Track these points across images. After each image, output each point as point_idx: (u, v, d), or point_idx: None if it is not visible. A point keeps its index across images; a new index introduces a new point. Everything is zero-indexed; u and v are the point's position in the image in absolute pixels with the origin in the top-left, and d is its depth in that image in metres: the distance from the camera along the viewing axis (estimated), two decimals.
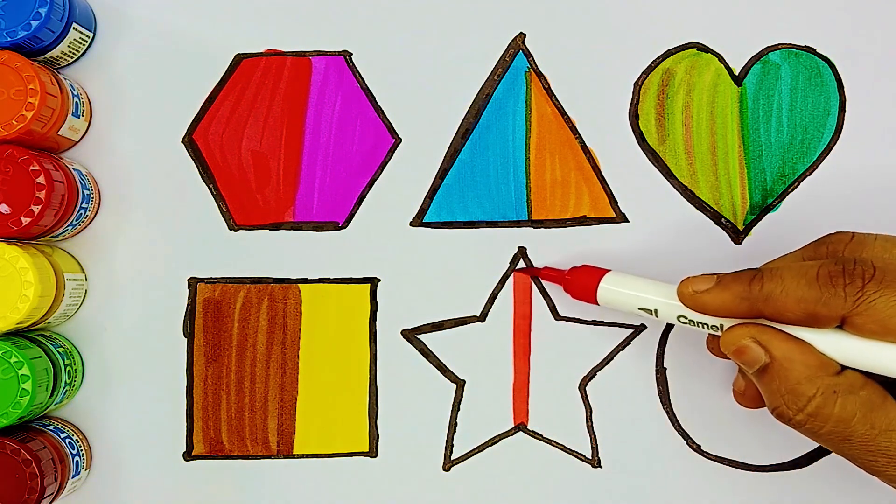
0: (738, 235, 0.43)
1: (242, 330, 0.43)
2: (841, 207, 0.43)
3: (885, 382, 0.32)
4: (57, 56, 0.41)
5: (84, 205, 0.41)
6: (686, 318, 0.36)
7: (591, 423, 0.43)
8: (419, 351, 0.43)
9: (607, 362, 0.43)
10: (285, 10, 0.43)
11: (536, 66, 0.43)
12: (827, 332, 0.32)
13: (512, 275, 0.43)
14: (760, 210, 0.43)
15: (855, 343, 0.32)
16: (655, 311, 0.37)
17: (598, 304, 0.39)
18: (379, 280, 0.43)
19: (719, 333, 0.35)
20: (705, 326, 0.35)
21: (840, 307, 0.31)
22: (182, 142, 0.43)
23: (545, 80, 0.43)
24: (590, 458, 0.43)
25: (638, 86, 0.43)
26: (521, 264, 0.43)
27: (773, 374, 0.33)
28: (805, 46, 0.43)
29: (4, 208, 0.38)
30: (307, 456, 0.42)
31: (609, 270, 0.39)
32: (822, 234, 0.43)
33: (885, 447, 0.31)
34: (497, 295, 0.43)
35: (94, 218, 0.43)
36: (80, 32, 0.42)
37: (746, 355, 0.33)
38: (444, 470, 0.42)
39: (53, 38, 0.40)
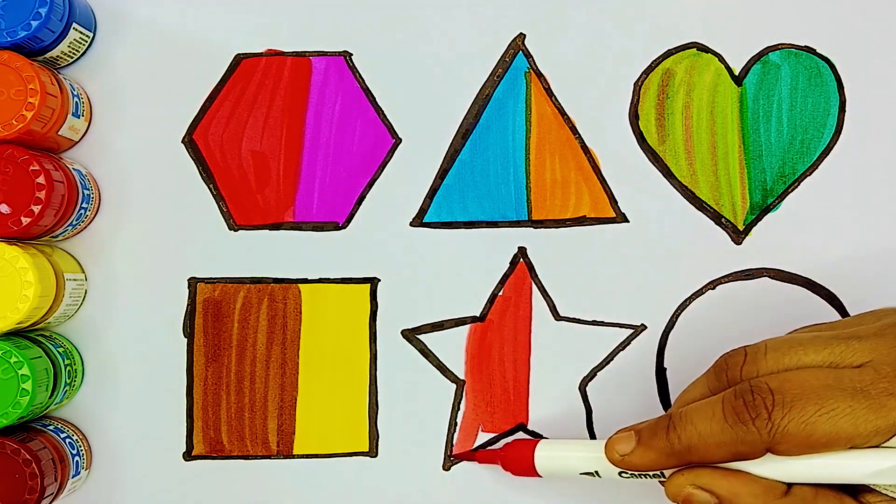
0: (738, 235, 0.43)
1: (242, 330, 0.43)
2: (841, 207, 0.43)
3: (836, 484, 0.32)
4: (57, 56, 0.41)
5: (84, 205, 0.41)
6: (627, 473, 0.36)
7: (591, 423, 0.43)
8: (419, 351, 0.43)
9: (607, 362, 0.43)
10: (285, 10, 0.43)
11: (536, 66, 0.43)
12: (760, 459, 0.32)
13: (512, 275, 0.43)
14: (760, 210, 0.43)
15: (789, 463, 0.32)
16: (596, 472, 0.37)
17: (541, 476, 0.39)
18: (379, 280, 0.43)
19: (664, 478, 0.35)
20: (647, 477, 0.36)
21: (759, 441, 0.31)
22: (182, 142, 0.43)
23: (545, 80, 0.43)
24: None
25: (638, 86, 0.43)
26: (519, 262, 0.43)
27: None
28: (805, 46, 0.43)
29: (4, 208, 0.38)
30: (307, 456, 0.42)
31: (539, 440, 0.39)
32: (822, 233, 0.43)
33: None
34: (497, 295, 0.43)
35: (94, 218, 0.43)
36: (80, 32, 0.42)
37: (695, 503, 0.33)
38: (444, 470, 0.42)
39: (53, 38, 0.40)
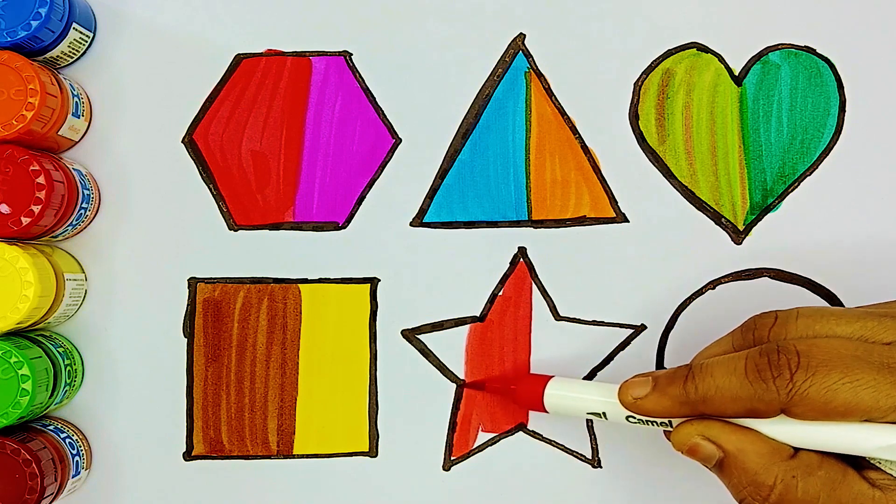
0: (738, 235, 0.43)
1: (242, 330, 0.43)
2: (841, 207, 0.43)
3: (842, 455, 0.32)
4: (57, 56, 0.41)
5: (84, 205, 0.41)
6: (635, 418, 0.36)
7: (592, 423, 0.43)
8: (419, 351, 0.43)
9: (607, 362, 0.43)
10: (285, 10, 0.43)
11: (536, 66, 0.43)
12: (772, 419, 0.32)
13: (512, 275, 0.43)
14: (760, 210, 0.43)
15: (801, 427, 0.32)
16: (604, 413, 0.37)
17: (547, 412, 0.39)
18: (379, 280, 0.43)
19: (670, 428, 0.35)
20: (655, 424, 0.36)
21: (776, 401, 0.31)
22: (182, 142, 0.43)
23: (545, 80, 0.43)
24: (590, 458, 0.43)
25: (638, 86, 0.43)
26: (519, 262, 0.43)
27: (729, 467, 0.33)
28: (805, 46, 0.43)
29: (4, 208, 0.38)
30: (307, 456, 0.42)
31: (552, 377, 0.39)
32: (822, 233, 0.43)
33: None
34: (497, 295, 0.43)
35: (94, 218, 0.43)
36: (80, 32, 0.42)
37: (699, 453, 0.33)
38: (444, 470, 0.42)
39: (53, 38, 0.40)
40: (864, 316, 0.33)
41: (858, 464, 0.32)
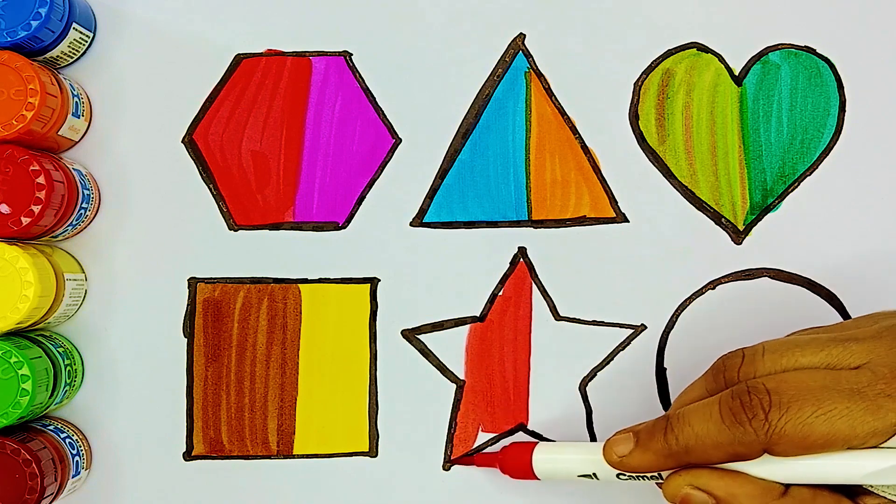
0: (738, 235, 0.43)
1: (242, 330, 0.43)
2: (841, 207, 0.43)
3: (834, 485, 0.32)
4: (57, 56, 0.41)
5: (84, 205, 0.41)
6: (625, 475, 0.36)
7: (591, 423, 0.43)
8: (419, 351, 0.43)
9: (607, 362, 0.43)
10: (285, 10, 0.43)
11: (536, 66, 0.43)
12: (757, 460, 0.32)
13: (512, 275, 0.43)
14: (760, 210, 0.43)
15: (787, 463, 0.32)
16: (595, 475, 0.37)
17: (539, 479, 0.39)
18: (379, 280, 0.43)
19: (661, 480, 0.35)
20: (646, 479, 0.36)
21: (756, 442, 0.31)
22: (182, 142, 0.43)
23: (545, 80, 0.43)
24: None
25: (638, 86, 0.43)
26: (519, 262, 0.43)
27: None
28: (805, 46, 0.43)
29: (4, 208, 0.38)
30: (307, 456, 0.42)
31: (536, 443, 0.39)
32: (822, 233, 0.43)
33: None
34: (497, 295, 0.43)
35: (94, 218, 0.43)
36: (80, 32, 0.42)
37: (691, 503, 0.33)
38: (444, 470, 0.42)
39: (53, 38, 0.40)
40: (829, 343, 0.32)
41: (852, 490, 0.32)
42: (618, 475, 0.36)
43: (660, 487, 0.35)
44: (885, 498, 0.31)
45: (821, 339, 0.33)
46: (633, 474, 0.36)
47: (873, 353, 0.31)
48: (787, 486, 0.32)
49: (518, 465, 0.39)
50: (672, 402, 0.42)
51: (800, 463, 0.32)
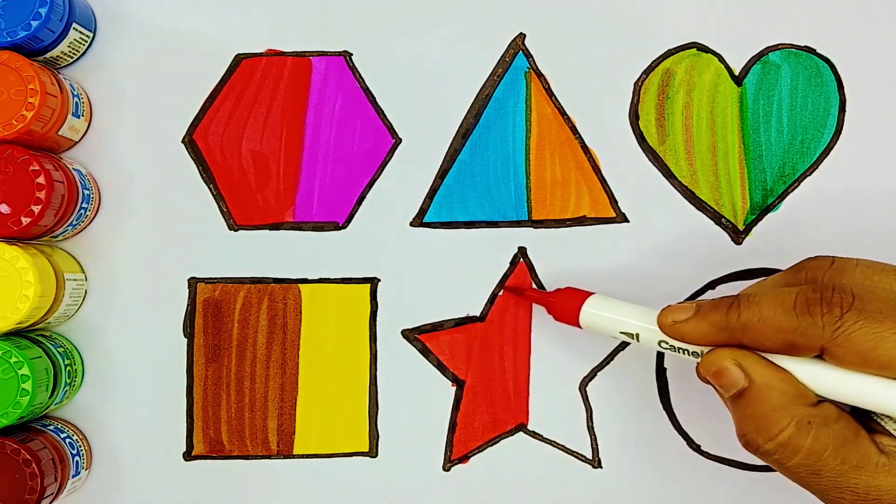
0: (738, 235, 0.43)
1: (242, 330, 0.43)
2: (841, 207, 0.43)
3: (858, 416, 0.32)
4: (57, 56, 0.41)
5: (84, 205, 0.41)
6: (667, 343, 0.36)
7: (591, 423, 0.43)
8: (419, 351, 0.43)
9: (607, 362, 0.43)
10: (285, 10, 0.43)
11: (536, 66, 0.43)
12: (806, 361, 0.32)
13: (512, 275, 0.43)
14: (760, 210, 0.43)
15: (834, 374, 0.31)
16: (637, 335, 0.37)
17: (581, 328, 0.39)
18: (379, 280, 0.43)
19: (699, 355, 0.35)
20: (686, 353, 0.35)
21: (818, 337, 0.31)
22: (182, 142, 0.43)
23: (545, 80, 0.43)
24: (590, 458, 0.43)
25: (638, 86, 0.43)
26: (519, 262, 0.43)
27: (748, 399, 0.32)
28: (805, 46, 0.43)
29: (4, 208, 0.38)
30: (307, 456, 0.42)
31: (593, 294, 0.39)
32: (822, 233, 0.43)
33: (854, 483, 0.31)
34: (497, 295, 0.43)
35: (94, 218, 0.43)
36: (80, 32, 0.42)
37: (725, 378, 0.33)
38: (444, 470, 0.42)
39: (53, 38, 0.40)
40: None
41: (871, 428, 0.32)
42: (659, 342, 0.36)
43: (697, 363, 0.35)
44: None
45: None
46: (676, 345, 0.35)
47: None
48: (820, 400, 0.32)
49: (566, 308, 0.39)
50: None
51: (845, 377, 0.31)
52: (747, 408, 0.32)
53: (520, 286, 0.42)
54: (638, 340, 0.37)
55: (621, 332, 0.37)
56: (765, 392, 0.32)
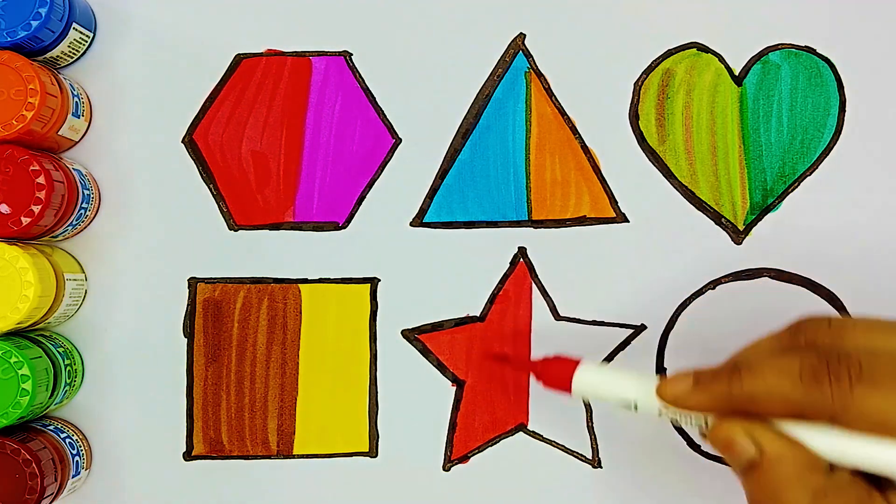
0: (738, 235, 0.43)
1: (242, 330, 0.43)
2: (841, 207, 0.43)
3: (866, 474, 0.31)
4: (57, 56, 0.41)
5: (84, 205, 0.41)
6: (667, 413, 0.35)
7: (591, 423, 0.43)
8: (419, 351, 0.43)
9: (607, 362, 0.43)
10: (285, 10, 0.43)
11: (536, 66, 0.43)
12: (816, 428, 0.31)
13: (512, 275, 0.43)
14: (760, 210, 0.43)
15: (847, 441, 0.31)
16: (635, 405, 0.35)
17: (572, 396, 0.37)
18: (379, 280, 0.43)
19: (703, 424, 0.34)
20: (688, 421, 0.34)
21: (828, 408, 0.30)
22: (182, 142, 0.43)
23: (545, 80, 0.43)
24: (590, 458, 0.43)
25: (638, 86, 0.43)
26: (519, 262, 0.43)
27: (761, 470, 0.32)
28: (805, 46, 0.43)
29: (4, 208, 0.38)
30: (307, 456, 0.42)
31: (580, 361, 0.37)
32: (822, 233, 0.43)
33: None
34: (497, 295, 0.43)
35: (94, 218, 0.43)
36: (80, 32, 0.42)
37: (736, 450, 0.32)
38: (444, 470, 0.42)
39: (53, 38, 0.40)
40: None
41: (881, 486, 0.31)
42: (659, 412, 0.35)
43: (698, 432, 0.34)
44: None
45: None
46: (676, 414, 0.34)
47: None
48: (832, 466, 0.31)
49: (556, 377, 0.37)
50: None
51: (859, 443, 0.30)
52: (760, 479, 0.32)
53: (504, 353, 0.42)
54: (636, 410, 0.35)
55: (619, 402, 0.36)
56: (777, 463, 0.31)
